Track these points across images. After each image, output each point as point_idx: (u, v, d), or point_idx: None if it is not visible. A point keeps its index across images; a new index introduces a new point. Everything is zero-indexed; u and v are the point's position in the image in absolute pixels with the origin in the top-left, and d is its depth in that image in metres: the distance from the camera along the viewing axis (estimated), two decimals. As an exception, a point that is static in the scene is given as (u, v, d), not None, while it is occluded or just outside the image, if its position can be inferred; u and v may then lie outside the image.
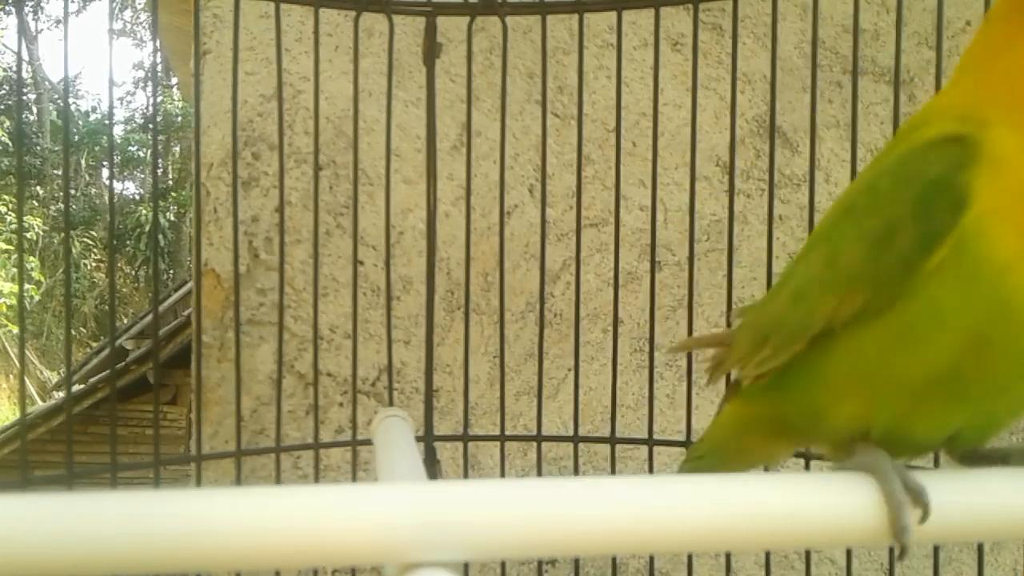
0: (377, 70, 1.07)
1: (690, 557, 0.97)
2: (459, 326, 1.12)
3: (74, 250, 15.44)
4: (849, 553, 0.89)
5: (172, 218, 17.74)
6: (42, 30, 19.60)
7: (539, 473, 0.95)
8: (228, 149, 1.06)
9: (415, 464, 0.58)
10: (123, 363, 5.87)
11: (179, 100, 16.85)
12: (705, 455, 0.60)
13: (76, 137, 17.06)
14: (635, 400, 1.17)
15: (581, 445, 1.13)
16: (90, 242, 16.93)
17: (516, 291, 1.14)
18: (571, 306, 1.15)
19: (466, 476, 1.00)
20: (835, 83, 1.24)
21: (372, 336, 1.09)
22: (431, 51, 0.90)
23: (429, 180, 0.91)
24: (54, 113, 18.22)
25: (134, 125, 19.91)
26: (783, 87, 1.22)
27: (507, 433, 0.97)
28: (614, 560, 0.96)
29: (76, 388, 6.44)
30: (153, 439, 0.85)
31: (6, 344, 13.79)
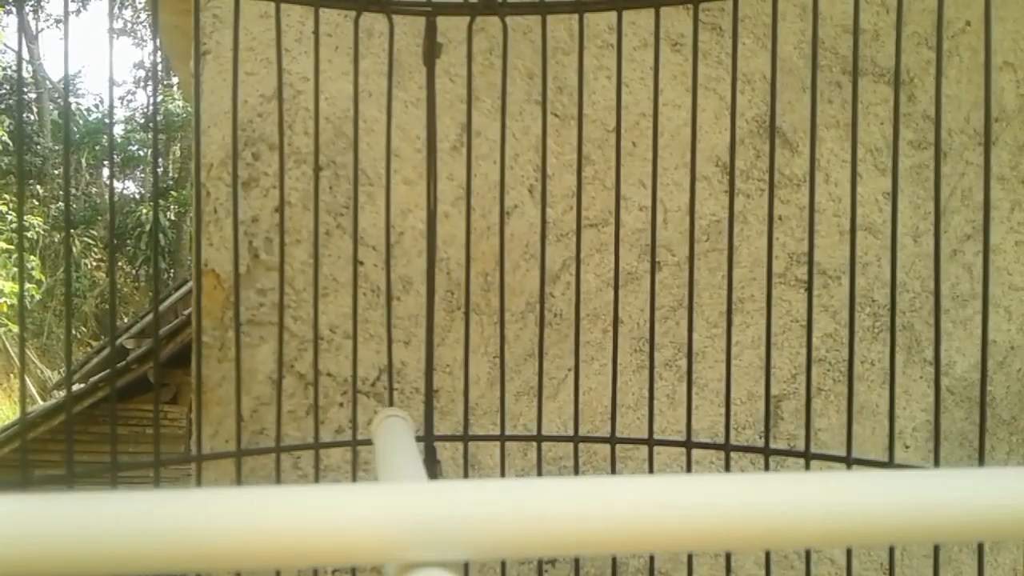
0: (377, 70, 1.07)
1: (690, 557, 0.97)
2: (459, 326, 1.12)
3: (75, 249, 15.44)
4: (849, 553, 0.89)
5: (172, 217, 17.76)
6: (43, 29, 19.60)
7: (539, 473, 0.95)
8: (228, 149, 1.06)
9: (415, 464, 0.58)
10: (123, 362, 5.88)
11: (180, 99, 16.86)
12: None
13: (77, 136, 17.07)
14: (635, 400, 1.17)
15: (581, 445, 1.13)
16: (91, 241, 16.95)
17: (516, 291, 1.14)
18: (571, 306, 1.15)
19: (466, 476, 1.00)
20: (835, 83, 1.24)
21: (372, 336, 1.09)
22: (431, 51, 0.90)
23: (429, 180, 0.91)
24: (55, 112, 18.23)
25: (135, 124, 19.93)
26: (783, 87, 1.22)
27: (507, 433, 0.97)
28: (614, 560, 0.96)
29: (76, 387, 6.45)
30: (153, 439, 0.85)
31: (7, 343, 13.80)
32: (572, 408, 1.13)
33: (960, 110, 1.30)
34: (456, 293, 1.12)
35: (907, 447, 1.28)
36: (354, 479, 0.97)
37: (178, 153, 19.24)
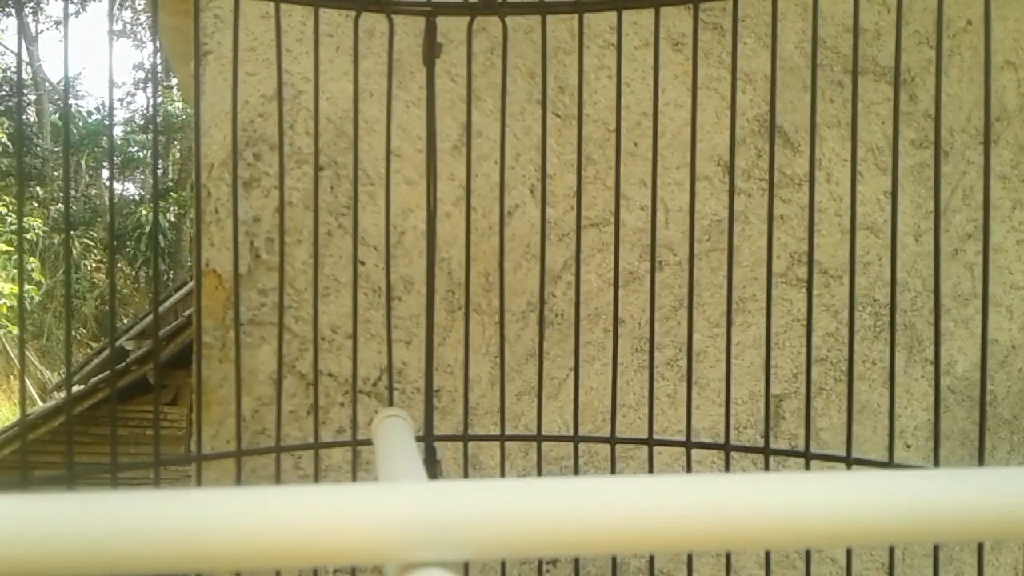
0: (378, 70, 1.07)
1: (690, 557, 0.97)
2: (460, 326, 1.12)
3: (74, 251, 15.45)
4: (849, 553, 0.89)
5: (172, 219, 17.77)
6: (42, 31, 19.61)
7: (539, 473, 0.95)
8: (230, 149, 1.06)
9: (415, 464, 0.58)
10: (123, 364, 5.88)
11: (179, 101, 16.87)
12: None
13: (76, 138, 17.08)
14: (636, 400, 1.17)
15: (582, 445, 1.12)
16: (90, 243, 16.96)
17: (517, 291, 1.14)
18: (572, 306, 1.15)
19: (466, 476, 1.00)
20: (836, 82, 1.24)
21: (373, 336, 1.09)
22: (431, 51, 0.90)
23: (429, 180, 0.90)
24: (55, 114, 18.24)
25: (134, 126, 19.93)
26: (784, 87, 1.22)
27: (508, 433, 0.97)
28: (614, 560, 0.96)
29: (76, 389, 6.45)
30: (153, 439, 0.85)
31: (7, 345, 13.80)
32: (573, 407, 1.13)
33: (961, 109, 1.30)
34: (457, 293, 1.12)
35: (908, 446, 1.28)
36: (354, 479, 0.97)
37: (177, 154, 19.25)
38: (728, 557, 0.94)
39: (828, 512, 0.41)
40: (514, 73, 1.13)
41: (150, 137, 20.27)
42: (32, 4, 18.51)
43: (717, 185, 1.20)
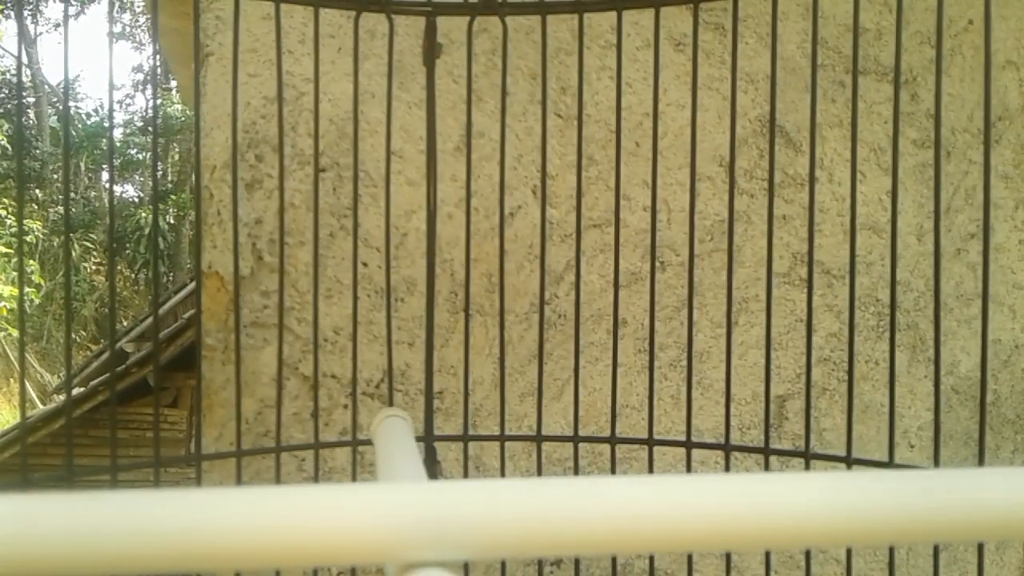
0: (380, 71, 1.07)
1: (690, 557, 0.97)
2: (464, 327, 1.11)
3: (74, 253, 15.46)
4: (849, 553, 0.89)
5: (171, 221, 17.78)
6: (41, 33, 19.63)
7: (539, 473, 0.95)
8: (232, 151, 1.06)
9: (415, 464, 0.58)
10: (123, 366, 5.88)
11: (179, 103, 16.87)
12: None
13: (76, 140, 17.08)
14: (640, 401, 1.17)
15: (587, 447, 1.12)
16: (90, 245, 16.97)
17: (520, 292, 1.14)
18: (575, 307, 1.15)
19: (466, 476, 1.00)
20: (838, 82, 1.24)
21: (377, 338, 1.09)
22: (431, 51, 0.90)
23: (429, 181, 0.90)
24: (53, 117, 18.24)
25: (133, 128, 19.94)
26: (786, 87, 1.21)
27: (511, 433, 0.97)
28: (614, 561, 0.96)
29: (76, 391, 6.45)
30: (153, 441, 0.85)
31: (6, 347, 13.80)
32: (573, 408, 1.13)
33: (964, 109, 1.30)
34: (460, 294, 1.12)
35: (912, 447, 1.28)
36: (354, 479, 0.97)
37: (176, 157, 19.26)
38: (728, 557, 0.94)
39: (828, 512, 0.41)
40: (516, 74, 1.13)
41: (149, 139, 20.26)
42: (31, 6, 18.53)
43: (720, 185, 1.20)
